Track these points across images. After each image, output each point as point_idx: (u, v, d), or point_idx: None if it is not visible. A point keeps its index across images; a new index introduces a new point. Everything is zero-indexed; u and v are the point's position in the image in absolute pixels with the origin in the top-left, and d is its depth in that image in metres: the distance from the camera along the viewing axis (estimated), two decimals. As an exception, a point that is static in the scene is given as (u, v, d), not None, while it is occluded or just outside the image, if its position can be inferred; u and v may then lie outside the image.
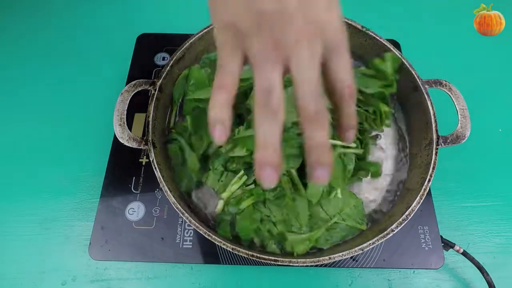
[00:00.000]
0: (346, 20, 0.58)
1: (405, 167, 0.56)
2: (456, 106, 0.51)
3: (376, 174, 0.54)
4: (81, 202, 0.60)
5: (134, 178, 0.58)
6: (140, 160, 0.60)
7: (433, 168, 0.49)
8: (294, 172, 0.50)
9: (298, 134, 0.50)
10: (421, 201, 0.47)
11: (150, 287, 0.54)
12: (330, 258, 0.44)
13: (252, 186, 0.52)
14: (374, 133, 0.58)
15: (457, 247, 0.53)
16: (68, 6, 0.80)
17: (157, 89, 0.52)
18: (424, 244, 0.53)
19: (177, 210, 0.46)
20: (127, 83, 0.58)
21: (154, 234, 0.54)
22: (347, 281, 0.55)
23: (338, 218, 0.50)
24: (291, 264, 0.44)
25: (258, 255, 0.44)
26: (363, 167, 0.53)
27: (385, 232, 0.45)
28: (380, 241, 0.45)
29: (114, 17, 0.79)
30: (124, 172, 0.59)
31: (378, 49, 0.58)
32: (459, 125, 0.51)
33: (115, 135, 0.49)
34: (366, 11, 0.79)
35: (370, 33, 0.58)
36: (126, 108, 0.50)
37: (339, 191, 0.50)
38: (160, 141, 0.53)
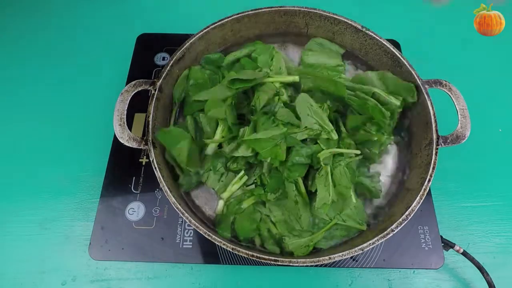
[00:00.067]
0: (346, 20, 0.58)
1: (405, 167, 0.56)
2: (456, 106, 0.51)
3: (376, 196, 0.54)
4: (81, 202, 0.60)
5: (134, 178, 0.58)
6: (140, 160, 0.60)
7: (433, 168, 0.49)
8: (300, 180, 0.50)
9: (305, 144, 0.50)
10: (421, 201, 0.47)
11: (150, 287, 0.54)
12: (330, 258, 0.44)
13: (253, 186, 0.53)
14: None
15: (457, 247, 0.53)
16: (68, 6, 0.80)
17: (157, 89, 0.52)
18: (424, 244, 0.53)
19: (177, 210, 0.46)
20: (127, 83, 0.58)
21: (154, 234, 0.54)
22: (347, 281, 0.55)
23: (339, 219, 0.50)
24: (291, 264, 0.44)
25: (258, 255, 0.44)
26: (364, 189, 0.54)
27: (385, 232, 0.45)
28: (380, 241, 0.45)
29: (114, 17, 0.79)
30: (124, 172, 0.59)
31: (378, 49, 0.59)
32: (459, 125, 0.51)
33: (115, 135, 0.49)
34: (366, 11, 0.80)
35: (370, 33, 0.58)
36: (126, 108, 0.50)
37: (353, 197, 0.50)
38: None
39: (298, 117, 0.51)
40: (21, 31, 0.77)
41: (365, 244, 0.44)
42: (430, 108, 0.52)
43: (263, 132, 0.48)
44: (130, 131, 0.49)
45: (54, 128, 0.66)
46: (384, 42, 0.57)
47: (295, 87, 0.59)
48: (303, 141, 0.51)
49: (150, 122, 0.50)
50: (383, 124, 0.52)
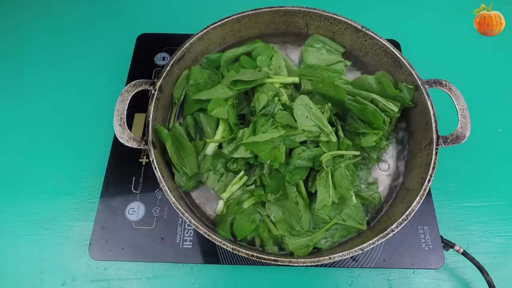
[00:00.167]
0: (346, 20, 0.58)
1: (405, 167, 0.56)
2: (456, 106, 0.51)
3: (375, 204, 0.54)
4: (81, 202, 0.60)
5: (134, 178, 0.58)
6: (140, 160, 0.60)
7: (433, 168, 0.49)
8: (301, 182, 0.50)
9: (306, 146, 0.50)
10: (421, 201, 0.47)
11: (150, 287, 0.54)
12: (330, 258, 0.44)
13: (253, 186, 0.53)
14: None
15: (457, 247, 0.53)
16: (68, 6, 0.80)
17: (157, 89, 0.52)
18: (424, 244, 0.53)
19: (177, 210, 0.46)
20: (127, 83, 0.58)
21: (154, 234, 0.54)
22: (347, 281, 0.55)
23: (339, 218, 0.50)
24: (291, 264, 0.44)
25: (258, 255, 0.44)
26: (363, 199, 0.54)
27: (385, 232, 0.45)
28: (380, 241, 0.45)
29: (114, 17, 0.79)
30: (124, 172, 0.59)
31: (378, 49, 0.59)
32: (459, 125, 0.51)
33: (115, 135, 0.49)
34: (366, 11, 0.80)
35: (370, 33, 0.58)
36: (126, 108, 0.50)
37: (354, 198, 0.50)
38: (160, 141, 0.53)
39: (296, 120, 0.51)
40: (21, 31, 0.77)
41: (365, 244, 0.44)
42: (430, 108, 0.52)
43: (261, 135, 0.49)
44: (130, 131, 0.49)
45: (54, 128, 0.66)
46: (384, 42, 0.57)
47: (296, 86, 0.59)
48: (304, 143, 0.51)
49: (150, 122, 0.50)
50: (382, 130, 0.52)
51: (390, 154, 0.58)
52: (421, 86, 0.53)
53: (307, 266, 0.49)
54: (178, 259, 0.53)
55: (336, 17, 0.59)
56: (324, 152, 0.49)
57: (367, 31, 0.58)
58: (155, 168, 0.47)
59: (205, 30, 0.58)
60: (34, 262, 0.56)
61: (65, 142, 0.65)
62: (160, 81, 0.53)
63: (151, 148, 0.48)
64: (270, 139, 0.48)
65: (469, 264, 0.53)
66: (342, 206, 0.51)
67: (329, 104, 0.53)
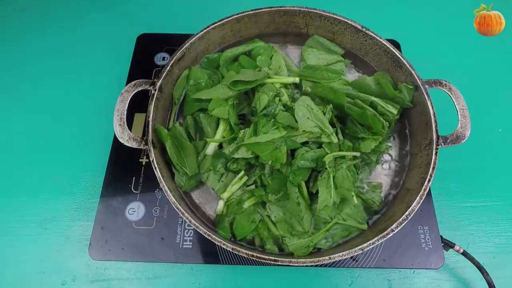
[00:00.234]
0: (346, 20, 0.58)
1: (405, 167, 0.56)
2: (456, 106, 0.51)
3: (375, 207, 0.54)
4: (81, 202, 0.60)
5: (134, 178, 0.58)
6: (140, 160, 0.60)
7: (433, 168, 0.49)
8: (303, 183, 0.50)
9: (309, 147, 0.50)
10: (421, 201, 0.47)
11: (150, 287, 0.54)
12: (330, 258, 0.44)
13: (253, 186, 0.53)
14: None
15: (457, 247, 0.53)
16: (68, 6, 0.80)
17: (157, 89, 0.52)
18: (424, 244, 0.53)
19: (177, 210, 0.46)
20: (127, 83, 0.58)
21: (154, 234, 0.54)
22: (347, 281, 0.55)
23: (339, 218, 0.50)
24: (291, 264, 0.44)
25: (258, 255, 0.44)
26: (365, 199, 0.54)
27: (385, 232, 0.45)
28: (380, 241, 0.45)
29: (114, 17, 0.79)
30: (124, 172, 0.59)
31: (378, 49, 0.59)
32: (459, 125, 0.51)
33: (115, 135, 0.49)
34: (366, 11, 0.80)
35: (370, 33, 0.58)
36: (126, 108, 0.50)
37: (355, 199, 0.50)
38: (160, 141, 0.54)
39: (297, 120, 0.51)
40: (21, 31, 0.77)
41: (365, 244, 0.44)
42: (430, 108, 0.52)
43: (263, 135, 0.49)
44: (130, 131, 0.49)
45: (54, 128, 0.66)
46: (384, 42, 0.57)
47: (296, 86, 0.59)
48: (305, 144, 0.51)
49: (150, 122, 0.50)
50: (381, 135, 0.52)
51: (390, 154, 0.58)
52: (421, 86, 0.53)
53: (307, 266, 0.49)
54: (178, 259, 0.53)
55: (336, 17, 0.59)
56: (327, 153, 0.49)
57: (367, 31, 0.58)
58: (155, 168, 0.47)
59: (205, 30, 0.58)
60: (34, 262, 0.56)
61: (65, 142, 0.65)
62: (160, 81, 0.53)
63: (151, 148, 0.48)
64: (271, 140, 0.48)
65: (469, 264, 0.53)
66: (343, 206, 0.51)
67: (331, 105, 0.53)
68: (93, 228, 0.54)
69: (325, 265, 0.53)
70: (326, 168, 0.48)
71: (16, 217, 0.59)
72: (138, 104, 0.57)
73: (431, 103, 0.52)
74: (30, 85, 0.71)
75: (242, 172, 0.52)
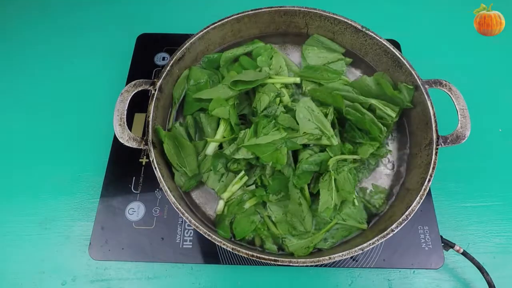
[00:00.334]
0: (346, 20, 0.58)
1: (405, 167, 0.56)
2: (456, 106, 0.51)
3: (375, 210, 0.54)
4: (81, 202, 0.60)
5: (134, 178, 0.58)
6: (140, 160, 0.60)
7: (433, 168, 0.49)
8: (306, 186, 0.50)
9: (313, 151, 0.50)
10: (421, 201, 0.47)
11: (150, 287, 0.54)
12: (330, 258, 0.44)
13: (253, 186, 0.53)
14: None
15: (457, 247, 0.53)
16: (68, 6, 0.80)
17: (157, 89, 0.52)
18: (424, 244, 0.53)
19: (177, 210, 0.46)
20: (127, 83, 0.58)
21: (154, 234, 0.54)
22: (347, 281, 0.55)
23: (339, 218, 0.50)
24: (291, 264, 0.44)
25: (258, 255, 0.44)
26: (367, 200, 0.54)
27: (385, 232, 0.45)
28: (380, 241, 0.45)
29: (114, 17, 0.79)
30: (124, 172, 0.59)
31: (378, 49, 0.59)
32: (459, 125, 0.51)
33: (115, 135, 0.49)
34: (366, 11, 0.80)
35: (370, 33, 0.58)
36: (126, 108, 0.50)
37: (356, 201, 0.50)
38: (160, 141, 0.54)
39: (298, 122, 0.51)
40: (22, 31, 0.77)
41: (365, 244, 0.44)
42: (430, 108, 0.52)
43: (263, 137, 0.49)
44: (130, 131, 0.49)
45: (54, 128, 0.66)
46: (384, 42, 0.57)
47: (297, 85, 0.59)
48: (307, 146, 0.51)
49: (150, 122, 0.50)
50: (379, 141, 0.53)
51: (390, 155, 0.58)
52: (421, 86, 0.53)
53: (307, 266, 0.49)
54: (178, 259, 0.53)
55: (336, 17, 0.59)
56: (331, 157, 0.50)
57: (367, 31, 0.58)
58: (155, 168, 0.47)
59: (205, 30, 0.58)
60: (34, 262, 0.56)
61: (65, 142, 0.65)
62: (160, 81, 0.53)
63: (151, 148, 0.48)
64: (271, 141, 0.48)
65: (469, 264, 0.53)
66: (342, 206, 0.51)
67: (332, 107, 0.53)
68: (93, 228, 0.54)
69: (325, 265, 0.53)
70: (328, 171, 0.49)
71: (16, 217, 0.59)
72: (138, 104, 0.57)
73: (431, 103, 0.52)
74: (30, 85, 0.71)
75: (243, 172, 0.52)
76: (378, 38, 0.57)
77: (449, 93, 0.53)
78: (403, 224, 0.46)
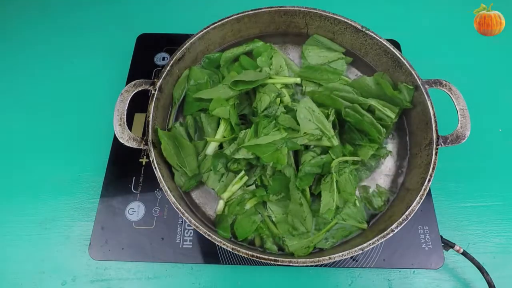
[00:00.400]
0: (346, 20, 0.58)
1: (405, 167, 0.56)
2: (456, 106, 0.51)
3: (376, 209, 0.54)
4: (81, 202, 0.60)
5: (134, 178, 0.58)
6: (140, 160, 0.60)
7: (433, 168, 0.49)
8: (307, 188, 0.50)
9: (315, 153, 0.50)
10: (421, 201, 0.47)
11: (150, 287, 0.54)
12: (330, 258, 0.44)
13: (253, 186, 0.53)
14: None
15: (457, 247, 0.53)
16: (68, 6, 0.80)
17: (157, 89, 0.52)
18: (424, 244, 0.53)
19: (177, 210, 0.46)
20: (127, 83, 0.58)
21: (154, 234, 0.54)
22: (347, 281, 0.55)
23: (339, 218, 0.50)
24: (291, 264, 0.44)
25: (258, 255, 0.44)
26: (368, 201, 0.54)
27: (385, 232, 0.45)
28: (380, 241, 0.45)
29: (114, 17, 0.79)
30: (124, 172, 0.59)
31: (378, 49, 0.59)
32: (459, 125, 0.51)
33: (115, 135, 0.49)
34: (366, 11, 0.80)
35: (370, 33, 0.58)
36: (126, 108, 0.50)
37: (357, 202, 0.51)
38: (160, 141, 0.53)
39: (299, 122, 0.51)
40: (21, 31, 0.77)
41: (365, 244, 0.44)
42: (430, 108, 0.52)
43: (264, 137, 0.49)
44: (130, 131, 0.49)
45: (54, 128, 0.66)
46: (384, 42, 0.57)
47: (297, 85, 0.59)
48: (308, 148, 0.51)
49: (150, 122, 0.50)
50: (378, 143, 0.53)
51: (390, 155, 0.58)
52: (421, 86, 0.53)
53: (307, 266, 0.49)
54: (178, 259, 0.53)
55: (336, 17, 0.59)
56: (333, 159, 0.50)
57: (367, 31, 0.58)
58: (155, 168, 0.47)
59: (205, 30, 0.58)
60: (34, 262, 0.56)
61: (65, 142, 0.65)
62: (160, 81, 0.53)
63: (151, 148, 0.48)
64: (272, 142, 0.49)
65: (469, 264, 0.53)
66: (343, 206, 0.51)
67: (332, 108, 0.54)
68: (93, 228, 0.54)
69: (325, 265, 0.53)
70: (330, 173, 0.49)
71: (16, 217, 0.59)
72: (138, 104, 0.57)
73: (431, 103, 0.52)
74: (30, 85, 0.71)
75: (243, 172, 0.52)
76: (378, 38, 0.57)
77: (449, 93, 0.53)
78: (403, 224, 0.46)
